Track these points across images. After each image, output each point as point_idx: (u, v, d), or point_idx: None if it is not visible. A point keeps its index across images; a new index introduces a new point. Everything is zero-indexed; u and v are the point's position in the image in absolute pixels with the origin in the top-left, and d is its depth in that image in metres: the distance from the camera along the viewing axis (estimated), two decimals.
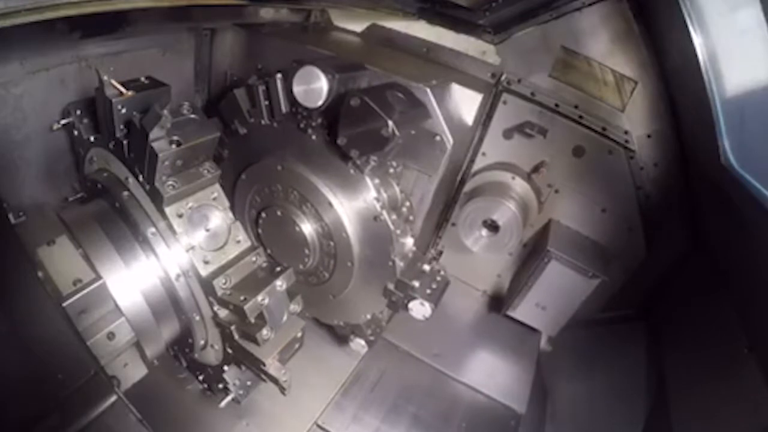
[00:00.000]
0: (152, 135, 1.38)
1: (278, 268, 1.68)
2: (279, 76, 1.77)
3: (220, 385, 1.88)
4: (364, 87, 1.94)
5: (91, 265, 1.53)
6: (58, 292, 1.47)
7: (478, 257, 2.68)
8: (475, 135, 2.47)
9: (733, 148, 1.70)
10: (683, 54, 1.81)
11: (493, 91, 2.41)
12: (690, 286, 2.50)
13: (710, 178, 1.91)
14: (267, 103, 1.86)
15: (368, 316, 2.15)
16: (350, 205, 1.90)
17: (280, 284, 1.63)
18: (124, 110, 1.46)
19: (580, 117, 2.34)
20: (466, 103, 2.17)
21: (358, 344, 2.26)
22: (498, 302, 2.89)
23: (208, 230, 1.62)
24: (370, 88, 1.91)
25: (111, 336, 1.50)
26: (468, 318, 2.89)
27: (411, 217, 2.12)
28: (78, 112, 1.66)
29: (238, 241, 1.68)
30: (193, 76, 2.44)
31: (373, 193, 1.84)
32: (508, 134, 2.47)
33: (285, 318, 1.69)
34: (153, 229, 1.56)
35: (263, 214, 2.11)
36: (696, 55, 1.73)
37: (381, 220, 1.85)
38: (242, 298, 1.53)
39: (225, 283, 1.58)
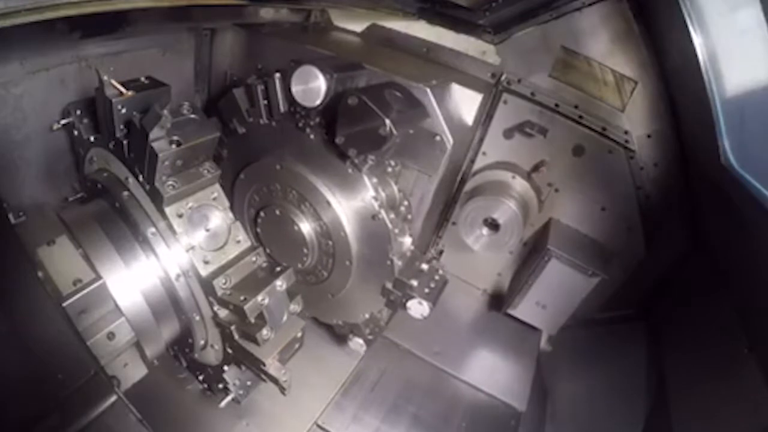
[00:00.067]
0: (152, 135, 1.38)
1: (278, 268, 1.68)
2: (277, 75, 1.77)
3: (220, 385, 1.88)
4: (363, 86, 1.94)
5: (91, 265, 1.53)
6: (58, 292, 1.47)
7: (479, 256, 2.69)
8: (476, 134, 2.47)
9: (733, 148, 1.70)
10: (683, 54, 1.81)
11: (493, 91, 2.41)
12: (690, 286, 2.50)
13: (710, 178, 1.91)
14: (266, 102, 1.86)
15: (367, 316, 2.15)
16: (348, 204, 1.90)
17: (280, 284, 1.63)
18: (124, 110, 1.46)
19: (580, 117, 2.34)
20: (466, 103, 2.17)
21: (357, 343, 2.26)
22: (498, 301, 2.90)
23: (208, 230, 1.62)
24: (368, 87, 1.91)
25: (111, 336, 1.50)
26: (468, 316, 2.90)
27: (409, 216, 2.12)
28: (78, 112, 1.66)
29: (238, 241, 1.68)
30: (193, 76, 2.44)
31: (371, 192, 1.85)
32: (508, 134, 2.47)
33: (285, 318, 1.69)
34: (153, 229, 1.56)
35: (262, 214, 2.11)
36: (696, 55, 1.73)
37: (379, 219, 1.85)
38: (242, 298, 1.53)
39: (225, 283, 1.58)
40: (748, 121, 1.71)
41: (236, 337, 1.64)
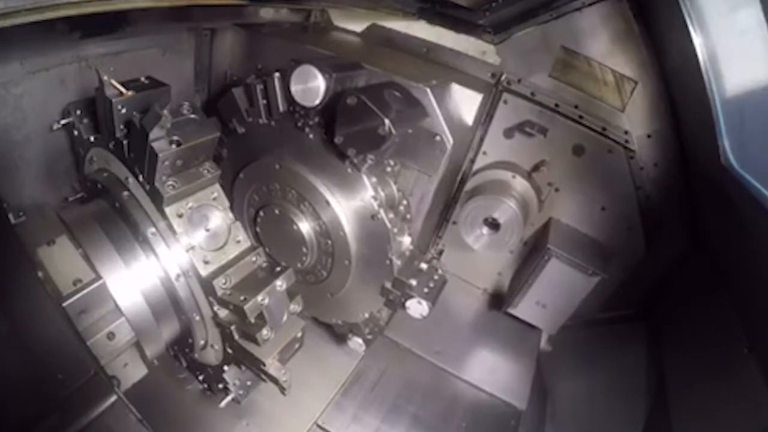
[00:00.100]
0: (152, 135, 1.38)
1: (278, 268, 1.68)
2: (277, 75, 1.78)
3: (220, 385, 1.88)
4: (362, 86, 1.94)
5: (91, 265, 1.53)
6: (58, 292, 1.47)
7: (479, 255, 2.69)
8: (476, 134, 2.47)
9: (733, 148, 1.70)
10: (683, 54, 1.81)
11: (494, 91, 2.41)
12: (690, 286, 2.50)
13: (710, 178, 1.91)
14: (265, 102, 1.87)
15: (366, 315, 2.15)
16: (347, 204, 1.90)
17: (280, 284, 1.63)
18: (124, 110, 1.46)
19: (580, 117, 2.34)
20: (466, 103, 2.17)
21: (356, 343, 2.26)
22: (499, 300, 2.91)
23: (208, 230, 1.62)
24: (367, 87, 1.92)
25: (111, 336, 1.50)
26: (469, 316, 2.90)
27: (408, 216, 2.12)
28: (78, 112, 1.66)
29: (238, 241, 1.68)
30: (193, 76, 2.44)
31: (370, 192, 1.85)
32: (508, 133, 2.48)
33: (285, 318, 1.69)
34: (153, 229, 1.56)
35: (261, 213, 2.12)
36: (696, 55, 1.73)
37: (378, 218, 1.85)
38: (242, 298, 1.53)
39: (225, 283, 1.58)
40: (748, 121, 1.71)
41: (236, 337, 1.64)
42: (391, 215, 1.89)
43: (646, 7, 2.10)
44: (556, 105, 2.35)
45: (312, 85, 1.71)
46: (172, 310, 1.68)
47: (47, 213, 1.76)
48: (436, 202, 2.26)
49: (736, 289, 1.98)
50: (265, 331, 1.57)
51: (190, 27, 2.29)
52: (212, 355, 1.82)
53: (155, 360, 1.79)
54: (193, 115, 1.53)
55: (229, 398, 1.87)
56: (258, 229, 2.17)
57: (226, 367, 1.81)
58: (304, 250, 2.04)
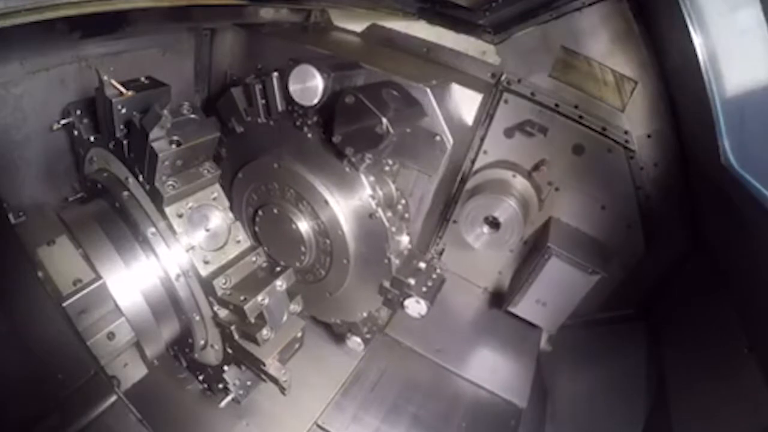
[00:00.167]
0: (152, 135, 1.38)
1: (278, 268, 1.68)
2: (275, 74, 1.78)
3: (220, 385, 1.88)
4: (360, 85, 1.94)
5: (91, 265, 1.53)
6: (58, 292, 1.47)
7: (480, 254, 2.70)
8: (476, 134, 2.48)
9: (733, 148, 1.70)
10: (683, 54, 1.81)
11: (494, 91, 2.41)
12: (690, 286, 2.50)
13: (710, 178, 1.91)
14: (263, 101, 1.87)
15: (365, 314, 2.15)
16: (346, 203, 1.91)
17: (280, 284, 1.63)
18: (124, 110, 1.46)
19: (580, 117, 2.34)
20: (466, 103, 2.17)
21: (355, 342, 2.26)
22: (499, 299, 2.91)
23: (208, 230, 1.62)
24: (365, 86, 1.92)
25: (111, 336, 1.50)
26: (469, 314, 2.91)
27: (407, 215, 2.12)
28: (78, 112, 1.66)
29: (238, 241, 1.68)
30: (193, 76, 2.44)
31: (368, 191, 1.85)
32: (509, 133, 2.48)
33: (285, 318, 1.69)
34: (153, 229, 1.56)
35: (260, 212, 2.12)
36: (696, 55, 1.73)
37: (376, 217, 1.86)
38: (242, 298, 1.53)
39: (225, 283, 1.58)
40: (748, 121, 1.70)
41: (236, 337, 1.64)
42: (389, 214, 1.89)
43: (646, 7, 2.10)
44: (556, 105, 2.35)
45: (310, 85, 1.71)
46: (172, 310, 1.68)
47: (47, 213, 1.76)
48: (437, 201, 2.26)
49: (736, 289, 1.98)
50: (265, 331, 1.57)
51: (190, 27, 2.28)
52: (212, 355, 1.82)
53: (155, 360, 1.79)
54: (193, 115, 1.53)
55: (229, 398, 1.87)
56: (257, 229, 2.17)
57: (226, 367, 1.81)
58: (303, 249, 2.04)
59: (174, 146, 1.43)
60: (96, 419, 1.33)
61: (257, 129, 1.96)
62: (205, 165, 1.61)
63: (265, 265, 1.71)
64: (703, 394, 1.94)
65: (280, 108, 1.84)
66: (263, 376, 1.68)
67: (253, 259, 1.68)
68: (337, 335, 2.41)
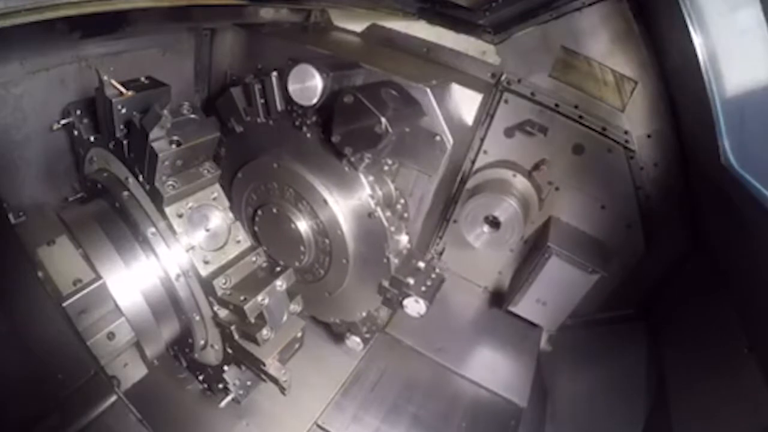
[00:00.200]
0: (152, 135, 1.38)
1: (278, 268, 1.68)
2: (274, 74, 1.78)
3: (220, 385, 1.88)
4: (359, 85, 1.94)
5: (91, 265, 1.53)
6: (58, 292, 1.47)
7: (480, 254, 2.70)
8: (477, 133, 2.48)
9: (733, 148, 1.70)
10: (683, 54, 1.81)
11: (494, 91, 2.41)
12: (690, 286, 2.50)
13: (710, 178, 1.91)
14: (263, 101, 1.87)
15: (364, 314, 2.16)
16: (345, 203, 1.91)
17: (280, 284, 1.63)
18: (124, 110, 1.46)
19: (580, 117, 2.34)
20: (466, 103, 2.17)
21: (354, 342, 2.26)
22: (499, 298, 2.92)
23: (208, 230, 1.62)
24: (364, 86, 1.92)
25: (111, 336, 1.50)
26: (470, 314, 2.92)
27: (406, 215, 2.12)
28: (78, 112, 1.66)
29: (238, 241, 1.68)
30: (193, 76, 2.44)
31: (367, 191, 1.85)
32: (509, 132, 2.48)
33: (285, 318, 1.69)
34: (153, 229, 1.56)
35: (259, 212, 2.12)
36: (696, 55, 1.72)
37: (375, 217, 1.86)
38: (242, 298, 1.53)
39: (225, 283, 1.58)
40: (748, 121, 1.70)
41: (236, 337, 1.64)
42: (388, 214, 1.89)
43: (646, 7, 2.10)
44: (556, 105, 2.35)
45: (309, 84, 1.71)
46: (172, 310, 1.68)
47: (47, 213, 1.76)
48: (437, 201, 2.26)
49: (736, 289, 1.98)
50: (265, 331, 1.57)
51: (190, 27, 2.28)
52: (212, 355, 1.82)
53: (155, 360, 1.79)
54: (193, 115, 1.53)
55: (229, 398, 1.87)
56: (256, 228, 2.17)
57: (226, 367, 1.81)
58: (302, 248, 2.05)
59: (174, 146, 1.44)
60: (96, 419, 1.33)
61: (256, 129, 1.96)
62: (205, 165, 1.61)
63: (265, 265, 1.71)
64: (703, 394, 1.94)
65: (279, 108, 1.84)
66: (263, 376, 1.68)
67: (253, 259, 1.68)
68: (337, 335, 2.41)
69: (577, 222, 2.58)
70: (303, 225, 2.01)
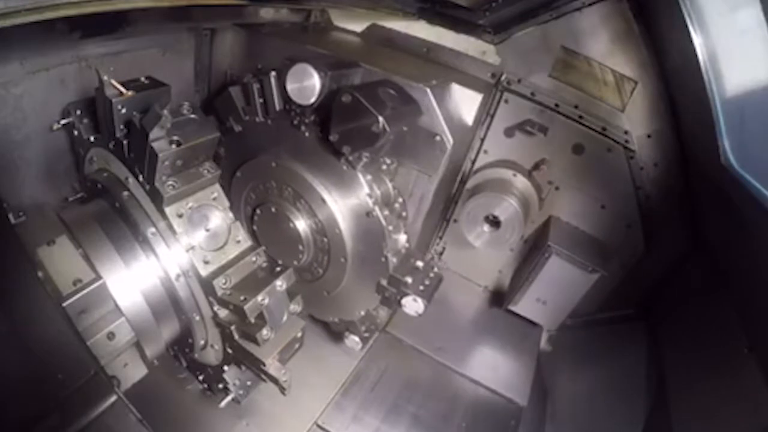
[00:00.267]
0: (152, 135, 1.38)
1: (278, 268, 1.68)
2: (273, 73, 1.78)
3: (220, 385, 1.88)
4: (357, 84, 1.95)
5: (91, 265, 1.53)
6: (58, 292, 1.47)
7: (480, 253, 2.70)
8: (477, 133, 2.48)
9: (733, 148, 1.70)
10: (683, 54, 1.81)
11: (494, 91, 2.41)
12: (690, 286, 2.50)
13: (710, 178, 1.91)
14: (261, 100, 1.87)
15: (362, 313, 2.16)
16: (343, 202, 1.91)
17: (280, 284, 1.63)
18: (124, 110, 1.46)
19: (580, 117, 2.34)
20: (466, 103, 2.17)
21: (353, 341, 2.26)
22: (499, 297, 2.92)
23: (208, 230, 1.62)
24: (362, 85, 1.93)
25: (111, 336, 1.50)
26: (470, 313, 2.93)
27: (404, 214, 2.12)
28: (78, 112, 1.66)
29: (238, 241, 1.68)
30: (193, 76, 2.44)
31: (365, 189, 1.85)
32: (509, 132, 2.48)
33: (285, 318, 1.69)
34: (153, 229, 1.56)
35: (258, 211, 2.12)
36: (696, 55, 1.72)
37: (373, 215, 1.86)
38: (242, 298, 1.53)
39: (225, 283, 1.58)
40: (748, 121, 1.70)
41: (236, 337, 1.64)
42: (387, 212, 1.90)
43: (646, 7, 2.10)
44: (556, 105, 2.35)
45: (307, 84, 1.72)
46: (172, 310, 1.68)
47: (47, 213, 1.76)
48: (437, 201, 2.26)
49: (736, 289, 1.98)
50: (265, 331, 1.57)
51: (190, 27, 2.28)
52: (212, 355, 1.82)
53: (155, 360, 1.79)
54: (193, 115, 1.53)
55: (229, 398, 1.87)
56: (255, 227, 2.18)
57: (226, 367, 1.81)
58: (301, 247, 2.05)
59: (174, 146, 1.43)
60: (96, 419, 1.33)
61: (255, 128, 1.96)
62: (205, 165, 1.61)
63: (265, 265, 1.71)
64: (703, 394, 1.94)
65: (277, 107, 1.85)
66: (263, 376, 1.68)
67: (253, 259, 1.68)
68: (336, 334, 2.41)
69: (577, 221, 2.58)
70: (301, 224, 2.01)
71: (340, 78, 1.83)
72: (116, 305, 1.53)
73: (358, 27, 2.66)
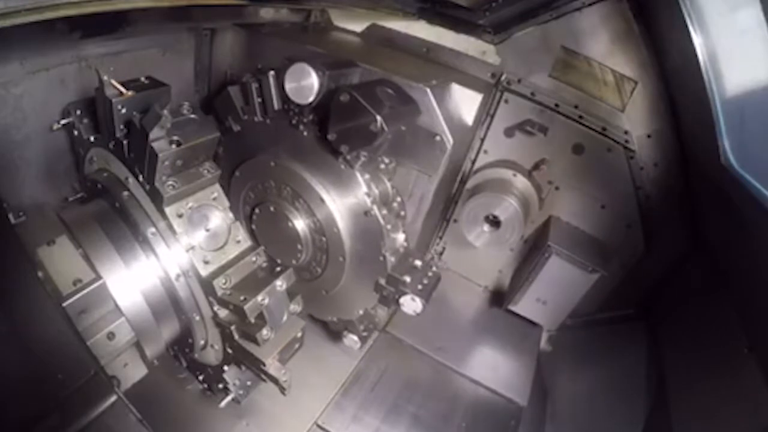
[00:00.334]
0: (152, 135, 1.38)
1: (278, 268, 1.68)
2: (271, 73, 1.79)
3: (220, 385, 1.89)
4: (356, 83, 1.95)
5: (91, 265, 1.53)
6: (58, 292, 1.47)
7: (480, 253, 2.70)
8: (477, 133, 2.48)
9: (733, 148, 1.70)
10: (683, 54, 1.81)
11: (494, 91, 2.42)
12: (690, 286, 2.50)
13: (710, 178, 1.91)
14: (260, 100, 1.88)
15: (361, 312, 2.16)
16: (341, 201, 1.91)
17: (280, 284, 1.63)
18: (124, 110, 1.46)
19: (580, 117, 2.34)
20: (466, 103, 2.17)
21: (351, 340, 2.26)
22: (499, 297, 2.92)
23: (208, 230, 1.62)
24: (360, 84, 1.93)
25: (111, 336, 1.50)
26: (470, 313, 2.93)
27: (402, 213, 2.12)
28: (78, 112, 1.66)
29: (238, 241, 1.68)
30: (193, 76, 2.44)
31: (363, 189, 1.85)
32: (509, 132, 2.48)
33: (285, 318, 1.69)
34: (153, 229, 1.56)
35: (257, 210, 2.12)
36: (696, 55, 1.72)
37: (372, 215, 1.86)
38: (242, 298, 1.53)
39: (225, 283, 1.58)
40: (748, 121, 1.70)
41: (236, 337, 1.64)
42: (385, 212, 1.90)
43: (646, 7, 2.10)
44: (556, 105, 2.35)
45: (306, 83, 1.72)
46: (172, 310, 1.68)
47: (47, 213, 1.76)
48: (437, 201, 2.26)
49: (736, 289, 1.98)
50: (265, 331, 1.57)
51: (190, 27, 2.29)
52: (212, 355, 1.82)
53: (155, 360, 1.79)
54: (193, 115, 1.53)
55: (229, 398, 1.87)
56: (254, 227, 2.18)
57: (226, 367, 1.81)
58: (299, 247, 2.05)
59: (174, 146, 1.44)
60: (96, 419, 1.33)
61: (254, 127, 1.97)
62: (205, 165, 1.61)
63: (265, 265, 1.71)
64: (703, 394, 1.94)
65: (276, 106, 1.85)
66: (263, 376, 1.68)
67: (253, 259, 1.68)
68: (336, 334, 2.41)
69: (577, 221, 2.59)
70: (300, 223, 2.01)
71: (339, 77, 1.83)
72: (116, 305, 1.53)
73: (358, 27, 2.66)
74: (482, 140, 2.52)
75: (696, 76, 1.75)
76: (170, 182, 1.49)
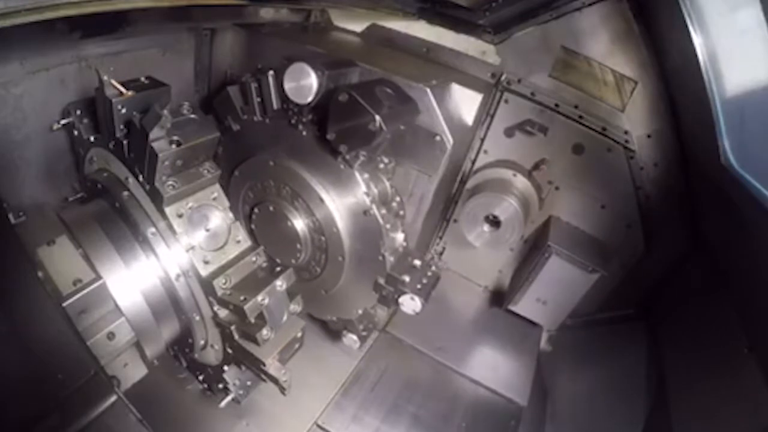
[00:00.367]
0: (152, 135, 1.38)
1: (278, 268, 1.68)
2: (271, 73, 1.79)
3: (220, 385, 1.88)
4: (355, 83, 1.95)
5: (91, 265, 1.53)
6: (58, 292, 1.47)
7: (480, 253, 2.71)
8: (477, 133, 2.48)
9: (733, 148, 1.70)
10: (683, 54, 1.81)
11: (494, 91, 2.42)
12: (690, 286, 2.50)
13: (710, 178, 1.91)
14: (259, 100, 1.88)
15: (360, 311, 2.16)
16: (340, 200, 1.91)
17: (280, 284, 1.63)
18: (124, 110, 1.46)
19: (580, 117, 2.34)
20: (466, 103, 2.17)
21: (351, 340, 2.26)
22: (499, 297, 2.92)
23: (208, 230, 1.62)
24: (359, 84, 1.93)
25: (111, 336, 1.50)
26: (470, 313, 2.93)
27: (401, 212, 2.13)
28: (78, 112, 1.66)
29: (238, 241, 1.68)
30: (193, 76, 2.44)
31: (362, 188, 1.85)
32: (509, 132, 2.48)
33: (285, 318, 1.69)
34: (153, 229, 1.56)
35: (256, 210, 2.12)
36: (696, 55, 1.72)
37: (371, 214, 1.86)
38: (242, 298, 1.53)
39: (225, 283, 1.58)
40: (748, 121, 1.70)
41: (236, 337, 1.64)
42: (384, 211, 1.90)
43: (646, 7, 2.10)
44: (556, 105, 2.35)
45: (305, 83, 1.72)
46: (172, 310, 1.68)
47: (47, 213, 1.76)
48: (437, 201, 2.26)
49: (736, 289, 1.98)
50: (265, 331, 1.57)
51: (190, 27, 2.29)
52: (212, 355, 1.82)
53: (155, 360, 1.79)
54: (193, 115, 1.53)
55: (229, 398, 1.87)
56: (253, 226, 2.18)
57: (226, 367, 1.81)
58: (299, 246, 2.05)
59: (174, 146, 1.44)
60: (96, 419, 1.33)
61: (253, 127, 1.97)
62: (205, 165, 1.61)
63: (265, 265, 1.71)
64: (703, 394, 1.94)
65: (275, 106, 1.85)
66: (263, 376, 1.68)
67: (253, 259, 1.68)
68: (336, 334, 2.41)
69: (577, 221, 2.59)
70: (299, 223, 2.01)
71: (338, 77, 1.83)
72: (116, 305, 1.53)
73: (358, 27, 2.67)
74: (482, 140, 2.52)
75: (696, 76, 1.75)
76: (170, 182, 1.49)
